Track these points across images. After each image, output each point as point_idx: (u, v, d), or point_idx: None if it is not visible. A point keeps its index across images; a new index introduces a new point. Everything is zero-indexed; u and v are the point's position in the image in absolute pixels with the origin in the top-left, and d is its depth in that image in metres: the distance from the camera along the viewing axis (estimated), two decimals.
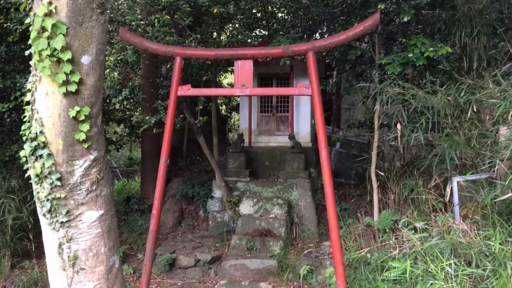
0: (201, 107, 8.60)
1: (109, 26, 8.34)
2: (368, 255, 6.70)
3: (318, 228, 9.48)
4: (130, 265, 8.47)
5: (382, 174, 7.94)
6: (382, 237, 7.39)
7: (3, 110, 7.66)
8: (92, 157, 3.66)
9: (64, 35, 3.22)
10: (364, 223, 8.05)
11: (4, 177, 7.30)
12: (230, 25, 13.25)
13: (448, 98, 5.89)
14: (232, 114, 18.40)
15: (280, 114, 11.16)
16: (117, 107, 9.92)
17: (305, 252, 8.47)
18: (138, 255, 8.86)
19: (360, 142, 12.79)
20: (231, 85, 18.05)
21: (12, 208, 6.90)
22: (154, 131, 9.27)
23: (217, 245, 9.03)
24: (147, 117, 8.43)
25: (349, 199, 10.74)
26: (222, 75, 17.81)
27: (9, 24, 7.64)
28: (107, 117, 11.06)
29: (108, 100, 10.55)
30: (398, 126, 7.58)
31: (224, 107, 17.96)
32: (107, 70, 8.89)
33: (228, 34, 9.87)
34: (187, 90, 5.97)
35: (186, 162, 12.32)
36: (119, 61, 8.06)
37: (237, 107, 15.54)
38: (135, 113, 8.55)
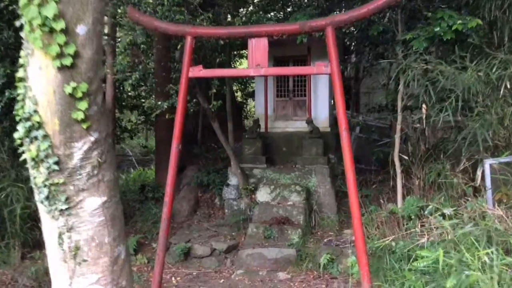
0: (214, 90, 8.26)
1: (118, 9, 8.04)
2: (393, 243, 6.32)
3: (338, 215, 9.11)
4: (144, 255, 8.24)
5: (406, 158, 7.51)
6: (407, 224, 6.99)
7: (12, 97, 7.43)
8: (92, 138, 3.35)
9: (56, 2, 2.89)
10: (387, 210, 7.64)
11: (12, 165, 7.10)
12: (244, 9, 12.85)
13: (479, 74, 5.43)
14: (248, 100, 18.02)
15: (297, 98, 10.75)
16: (130, 94, 9.64)
17: (325, 240, 8.12)
18: (153, 244, 8.62)
19: (380, 126, 12.32)
20: None
21: (20, 197, 6.70)
22: (166, 117, 8.95)
23: (233, 233, 8.73)
24: (159, 102, 8.11)
25: (370, 185, 10.32)
26: (237, 61, 17.43)
27: (15, 7, 7.37)
28: (119, 104, 10.83)
29: (120, 87, 10.31)
30: (424, 107, 7.13)
31: (239, 93, 17.59)
32: (119, 57, 8.59)
33: (242, 17, 9.48)
34: (199, 71, 5.64)
35: (201, 149, 12.04)
36: (129, 44, 7.74)
37: (253, 94, 15.17)
38: (148, 99, 8.23)
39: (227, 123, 10.57)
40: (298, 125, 10.58)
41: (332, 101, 12.68)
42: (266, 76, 10.47)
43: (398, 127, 7.50)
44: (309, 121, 9.86)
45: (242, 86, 17.27)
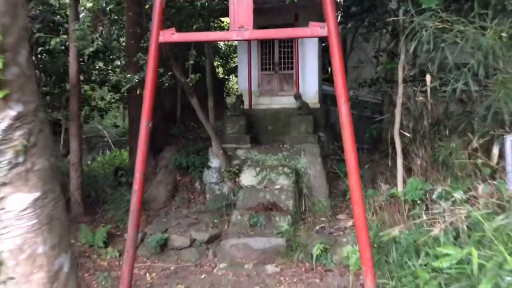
0: (192, 62, 7.30)
1: None
2: (396, 232, 5.55)
3: (330, 199, 8.32)
4: (116, 247, 7.37)
5: (408, 135, 6.70)
6: (411, 210, 6.23)
7: None
8: (13, 113, 2.43)
9: None
10: (386, 194, 6.88)
11: None
12: None
13: (502, 34, 4.59)
14: (230, 77, 17.01)
15: (284, 72, 9.84)
16: (100, 67, 8.62)
17: (317, 228, 7.34)
18: (125, 235, 7.66)
19: (372, 102, 11.51)
20: (228, 46, 16.64)
21: None
22: (138, 92, 7.97)
23: (215, 221, 7.89)
24: (128, 75, 7.13)
25: (363, 165, 9.54)
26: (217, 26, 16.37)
27: None
28: (87, 79, 9.79)
29: (90, 60, 9.26)
30: (428, 77, 6.30)
31: (221, 70, 16.56)
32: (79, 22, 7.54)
33: None
34: (171, 35, 4.74)
35: (180, 129, 11.08)
36: (94, 10, 6.72)
37: (235, 70, 14.08)
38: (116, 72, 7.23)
39: (207, 100, 9.65)
40: (285, 101, 9.71)
41: (323, 74, 11.85)
42: (250, 41, 9.54)
43: (399, 100, 6.67)
44: (298, 96, 8.98)
45: (224, 61, 16.24)
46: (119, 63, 10.75)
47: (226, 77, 16.42)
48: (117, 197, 8.51)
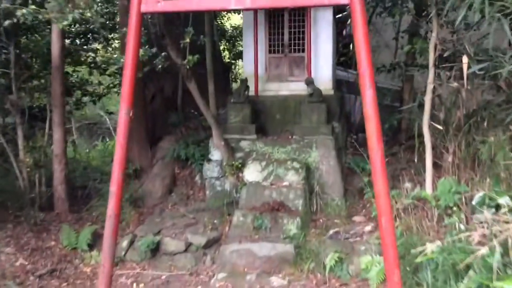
0: (188, 40, 6.34)
1: None
2: (428, 247, 4.60)
3: (345, 198, 7.39)
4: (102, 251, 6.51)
5: (440, 127, 5.72)
6: (442, 216, 5.29)
7: None
8: None
9: None
10: (412, 196, 5.92)
11: None
12: None
13: None
14: (237, 62, 15.97)
15: (294, 55, 8.84)
16: (84, 46, 7.69)
17: (331, 232, 6.42)
18: None
19: (390, 89, 10.48)
20: (235, 29, 15.62)
21: None
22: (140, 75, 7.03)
23: (215, 222, 6.99)
24: (115, 55, 6.19)
25: None
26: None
27: None
28: (74, 59, 8.86)
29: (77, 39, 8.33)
30: (465, 58, 5.29)
31: (227, 53, 15.53)
32: None
33: None
34: (156, 3, 3.82)
35: (180, 117, 10.15)
36: None
37: (242, 54, 12.97)
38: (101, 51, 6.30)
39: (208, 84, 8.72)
40: (295, 87, 8.72)
41: (337, 58, 10.83)
42: (257, 19, 8.55)
43: (430, 86, 5.68)
44: (309, 82, 8.00)
45: (230, 45, 15.21)
46: (108, 42, 9.86)
47: (233, 61, 15.39)
48: (106, 193, 7.59)
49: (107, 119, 16.10)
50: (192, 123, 10.54)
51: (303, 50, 8.78)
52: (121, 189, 4.00)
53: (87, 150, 12.85)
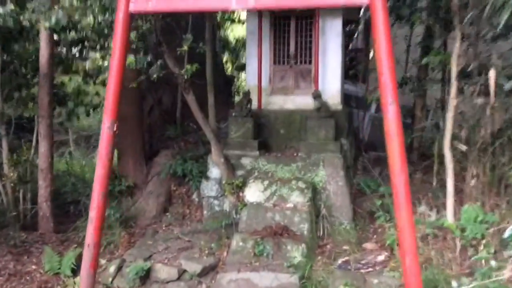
0: (186, 48, 5.83)
1: None
2: (454, 285, 4.01)
3: (354, 223, 6.79)
4: None
5: (464, 148, 5.15)
6: (466, 248, 4.69)
7: None
8: None
9: None
10: (431, 223, 5.32)
11: None
12: None
13: None
14: (240, 74, 15.47)
15: (301, 66, 8.31)
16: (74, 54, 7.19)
17: (340, 261, 5.81)
18: (101, 260, 6.27)
19: (403, 105, 9.93)
20: (238, 41, 15.14)
21: None
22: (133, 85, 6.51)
23: (212, 246, 6.39)
24: (106, 63, 5.67)
25: None
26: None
27: None
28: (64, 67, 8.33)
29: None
30: (492, 72, 4.75)
31: (229, 65, 15.05)
32: None
33: None
34: (146, 3, 3.34)
35: (178, 130, 9.60)
36: None
37: (245, 67, 12.31)
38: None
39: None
40: (301, 101, 8.18)
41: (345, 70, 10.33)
42: (261, 27, 8.05)
43: (452, 102, 5.11)
44: (317, 95, 7.45)
45: (234, 57, 14.73)
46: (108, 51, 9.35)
47: (235, 74, 14.90)
48: None
49: None
50: (191, 137, 9.99)
51: (310, 62, 8.25)
52: (102, 214, 3.47)
53: (83, 163, 12.30)
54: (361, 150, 9.59)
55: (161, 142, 9.75)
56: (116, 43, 3.30)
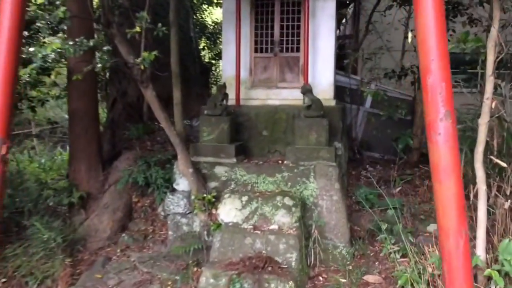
0: (138, 29, 4.47)
1: None
2: None
3: (351, 245, 5.58)
4: None
5: (504, 164, 3.93)
6: None
7: None
8: None
9: None
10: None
11: None
12: None
13: None
14: (218, 62, 14.04)
15: (286, 55, 7.02)
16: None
17: None
18: None
19: (399, 98, 8.72)
20: (217, 24, 13.72)
21: None
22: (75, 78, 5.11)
23: (177, 278, 5.12)
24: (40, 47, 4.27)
25: (395, 189, 6.82)
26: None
27: None
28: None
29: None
30: None
31: (207, 53, 13.61)
32: None
33: None
34: None
35: (141, 129, 8.24)
36: None
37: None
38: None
39: (190, 91, 6.89)
40: (287, 95, 6.93)
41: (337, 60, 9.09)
42: (240, 8, 6.73)
43: (488, 103, 3.87)
44: (307, 90, 6.17)
45: (211, 42, 13.31)
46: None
47: (214, 61, 13.49)
48: (31, 234, 5.63)
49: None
50: (159, 136, 8.65)
51: (297, 49, 6.97)
52: None
53: (43, 161, 10.82)
54: (354, 151, 8.39)
55: (125, 141, 8.39)
56: (4, 17, 2.01)
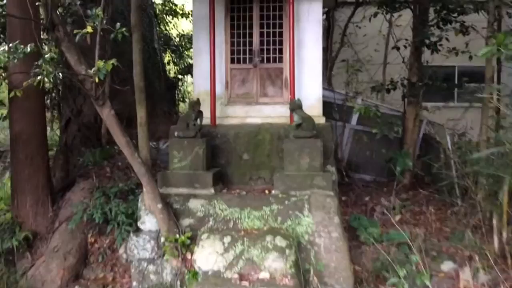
0: (90, 30, 3.45)
1: None
2: None
3: None
4: None
5: None
6: None
7: None
8: None
9: None
10: None
11: None
12: None
13: None
14: (185, 77, 12.98)
15: (268, 66, 6.12)
16: None
17: None
18: None
19: (389, 114, 7.94)
20: (183, 36, 12.73)
21: None
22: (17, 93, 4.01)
23: None
24: None
25: (394, 217, 5.95)
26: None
27: None
28: None
29: None
30: None
31: (172, 67, 12.55)
32: None
33: None
34: None
35: (100, 154, 7.11)
36: None
37: (191, 68, 9.41)
38: None
39: (154, 109, 5.82)
40: (269, 112, 6.03)
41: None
42: (214, 12, 5.82)
43: None
44: (296, 106, 5.25)
45: (177, 56, 12.27)
46: None
47: (180, 77, 12.41)
48: None
49: None
50: (120, 161, 7.53)
51: (280, 60, 6.09)
52: None
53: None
54: (342, 173, 7.52)
55: (80, 168, 7.22)
56: None
